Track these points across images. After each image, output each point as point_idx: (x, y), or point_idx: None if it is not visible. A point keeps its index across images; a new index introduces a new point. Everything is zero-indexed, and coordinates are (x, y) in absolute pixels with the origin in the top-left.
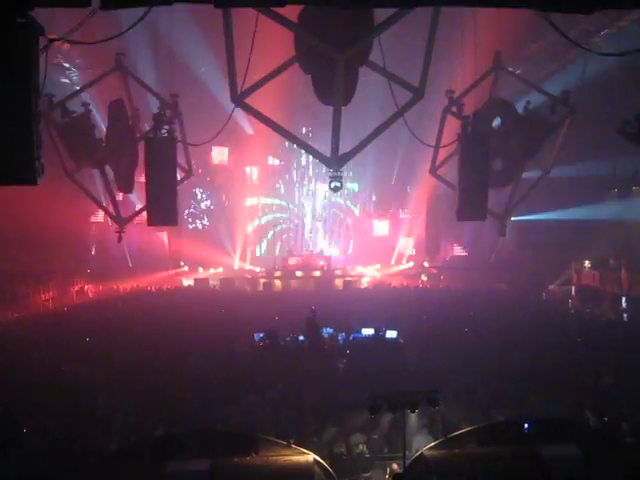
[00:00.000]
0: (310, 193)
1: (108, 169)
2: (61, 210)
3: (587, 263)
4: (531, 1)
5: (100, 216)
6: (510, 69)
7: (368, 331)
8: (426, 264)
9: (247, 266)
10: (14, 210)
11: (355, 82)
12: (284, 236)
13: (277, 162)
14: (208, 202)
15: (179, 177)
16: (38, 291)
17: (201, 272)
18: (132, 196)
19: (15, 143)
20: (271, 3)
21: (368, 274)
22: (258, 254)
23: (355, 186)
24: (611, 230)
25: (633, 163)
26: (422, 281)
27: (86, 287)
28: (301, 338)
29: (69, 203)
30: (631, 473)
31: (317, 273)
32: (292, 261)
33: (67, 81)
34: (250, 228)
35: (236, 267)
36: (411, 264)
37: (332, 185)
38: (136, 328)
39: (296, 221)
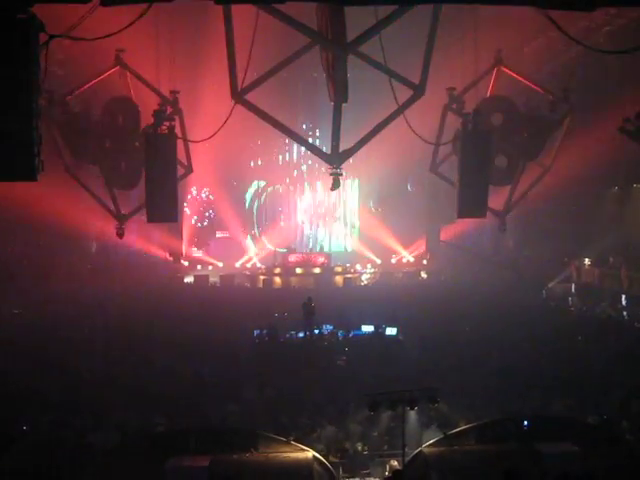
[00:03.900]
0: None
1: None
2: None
3: (587, 261)
4: None
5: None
6: (510, 67)
7: (368, 328)
8: (425, 262)
9: (257, 263)
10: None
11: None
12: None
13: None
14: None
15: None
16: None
17: (199, 268)
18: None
19: (15, 140)
20: (272, 0)
21: (368, 271)
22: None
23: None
24: (611, 228)
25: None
26: (421, 279)
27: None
28: (300, 335)
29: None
30: (631, 471)
31: (317, 270)
32: (292, 258)
33: (67, 77)
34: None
35: (238, 265)
36: (412, 259)
37: (332, 182)
38: (136, 324)
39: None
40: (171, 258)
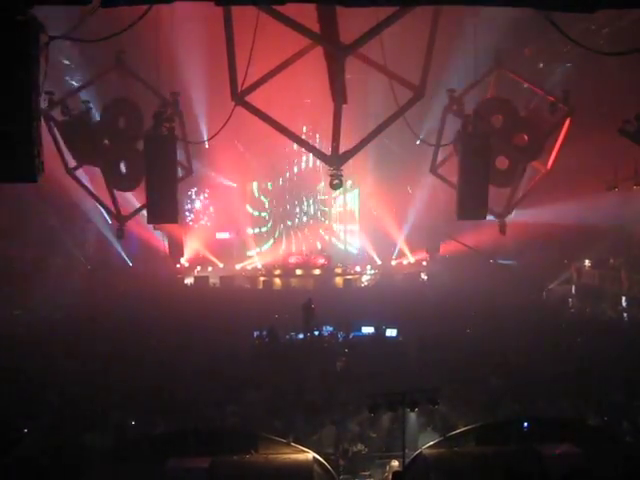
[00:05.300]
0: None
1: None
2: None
3: (587, 262)
4: (532, 0)
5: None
6: (510, 68)
7: (368, 329)
8: (425, 263)
9: (258, 264)
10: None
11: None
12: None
13: None
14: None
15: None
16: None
17: (199, 269)
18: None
19: (15, 141)
20: (272, 1)
21: (368, 273)
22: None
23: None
24: (611, 229)
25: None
26: (422, 280)
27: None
28: (300, 336)
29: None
30: (631, 472)
31: (317, 272)
32: (292, 259)
33: (67, 78)
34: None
35: (238, 267)
36: (412, 260)
37: (333, 183)
38: (137, 326)
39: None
40: (172, 258)
